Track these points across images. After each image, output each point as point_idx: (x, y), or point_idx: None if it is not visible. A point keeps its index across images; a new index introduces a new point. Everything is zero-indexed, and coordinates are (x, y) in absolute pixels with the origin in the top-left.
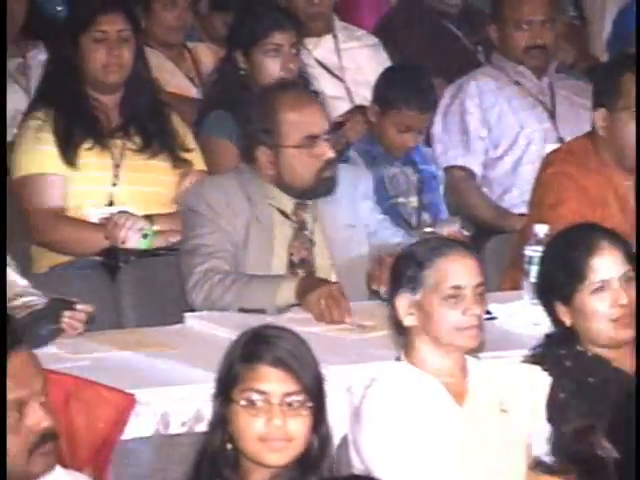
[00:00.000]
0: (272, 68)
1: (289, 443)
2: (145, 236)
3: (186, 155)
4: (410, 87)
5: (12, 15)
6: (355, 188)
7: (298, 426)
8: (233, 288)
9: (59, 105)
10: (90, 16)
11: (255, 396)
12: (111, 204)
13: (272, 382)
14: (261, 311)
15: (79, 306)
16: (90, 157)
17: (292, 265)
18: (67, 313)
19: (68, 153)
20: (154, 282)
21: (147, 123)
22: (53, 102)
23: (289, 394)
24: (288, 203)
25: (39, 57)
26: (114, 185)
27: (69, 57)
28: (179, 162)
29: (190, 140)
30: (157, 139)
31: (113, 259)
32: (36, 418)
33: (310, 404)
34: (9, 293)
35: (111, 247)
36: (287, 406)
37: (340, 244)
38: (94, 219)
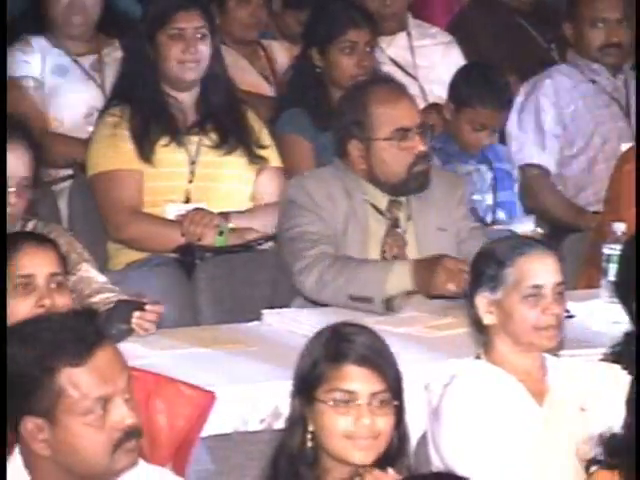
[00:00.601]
0: (347, 65)
1: (375, 441)
2: (221, 233)
3: (262, 152)
4: (485, 85)
5: (87, 12)
6: (452, 194)
7: (384, 424)
8: (344, 272)
9: (135, 102)
10: (167, 13)
11: (342, 396)
12: (187, 201)
13: (359, 381)
14: (368, 300)
15: (149, 306)
16: (166, 153)
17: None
18: (137, 313)
19: (145, 149)
20: (230, 279)
21: (223, 120)
22: (129, 99)
23: (376, 393)
24: (382, 199)
25: (114, 54)
26: (190, 182)
27: (146, 54)
28: (255, 158)
29: (266, 137)
30: (233, 135)
31: (189, 256)
32: (120, 415)
33: (395, 402)
34: (87, 289)
35: (187, 244)
36: (374, 405)
37: (429, 246)
38: (171, 216)
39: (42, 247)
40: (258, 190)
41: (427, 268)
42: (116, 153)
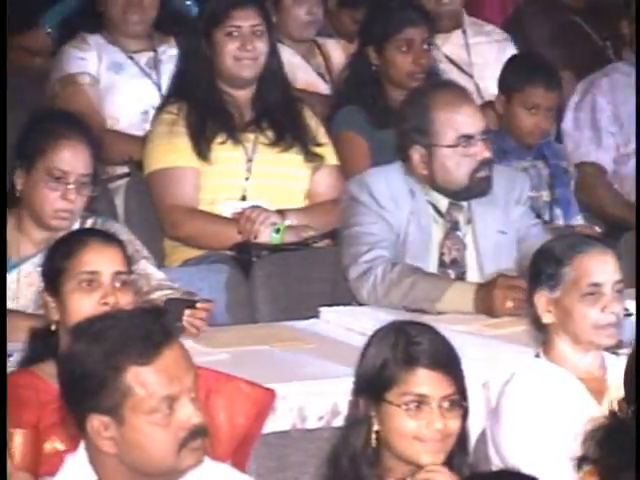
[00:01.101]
0: (404, 63)
1: (444, 443)
2: (277, 231)
3: (318, 149)
4: (531, 66)
5: (144, 10)
6: (510, 192)
7: (454, 426)
8: (399, 285)
9: (192, 99)
10: (224, 11)
11: (414, 399)
12: (244, 198)
13: (431, 385)
14: (422, 311)
15: (200, 304)
16: (223, 151)
17: (443, 265)
18: (187, 312)
19: (201, 147)
20: (287, 277)
21: (279, 117)
22: (186, 96)
23: (447, 396)
24: (443, 202)
25: (169, 52)
26: (247, 179)
27: (202, 52)
28: (311, 156)
29: (322, 134)
30: (289, 133)
31: (245, 254)
32: (186, 414)
33: (464, 403)
34: (146, 286)
35: (243, 242)
36: (445, 407)
37: (489, 250)
38: (227, 213)
39: (108, 245)
40: (314, 188)
41: (485, 292)
42: (173, 151)
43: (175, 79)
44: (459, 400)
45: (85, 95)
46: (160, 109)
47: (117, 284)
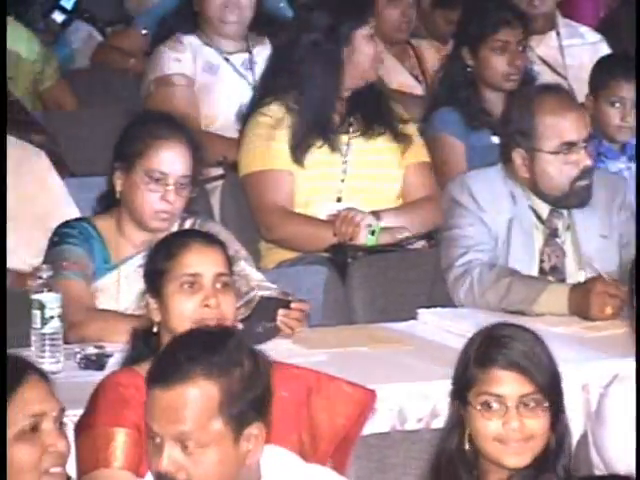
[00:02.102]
0: (499, 65)
1: (527, 444)
2: (372, 233)
3: (406, 129)
4: (615, 62)
5: (241, 11)
6: (612, 198)
7: (536, 426)
8: (495, 287)
9: (289, 102)
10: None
11: (490, 399)
12: (339, 200)
13: (507, 385)
14: (521, 313)
15: (294, 304)
16: (320, 154)
17: (542, 272)
18: (282, 311)
19: (299, 150)
20: (383, 278)
21: (368, 106)
22: (285, 99)
23: (525, 395)
24: (544, 208)
25: (264, 53)
26: (342, 181)
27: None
28: (400, 137)
29: (405, 114)
30: (377, 120)
31: (341, 255)
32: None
33: (546, 404)
34: (245, 287)
35: (339, 243)
36: (523, 407)
37: (591, 255)
38: (323, 215)
39: (210, 246)
40: (407, 186)
41: (582, 295)
42: (269, 153)
43: (271, 81)
44: (541, 400)
45: (180, 96)
46: (256, 111)
47: (218, 286)
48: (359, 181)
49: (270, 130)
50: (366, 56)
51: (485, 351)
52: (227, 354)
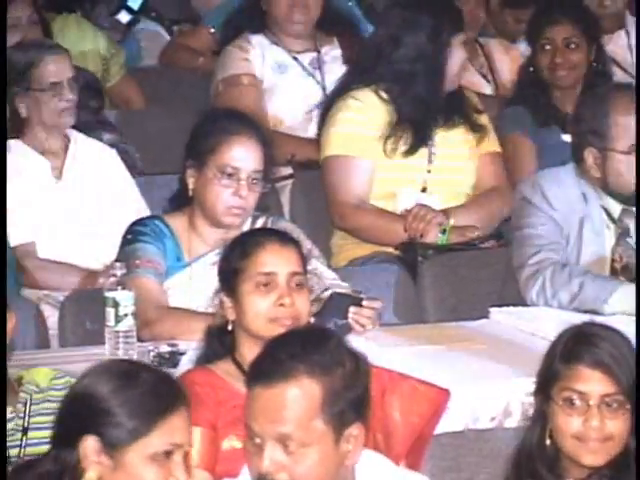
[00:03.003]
0: (543, 61)
1: (605, 444)
2: (443, 231)
3: (480, 119)
4: None
5: (309, 10)
6: None
7: (615, 427)
8: (566, 287)
9: (380, 91)
10: None
11: (573, 396)
12: (424, 190)
13: (591, 383)
14: (593, 312)
15: (365, 302)
16: (408, 145)
17: (614, 271)
18: (353, 309)
19: (391, 141)
20: (454, 277)
21: (448, 98)
22: (374, 87)
23: (607, 395)
24: (616, 207)
25: (333, 52)
26: (429, 172)
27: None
28: (476, 127)
29: (479, 104)
30: (457, 111)
31: (412, 253)
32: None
33: (628, 406)
34: (318, 286)
35: (409, 241)
36: (605, 407)
37: None
38: (408, 204)
39: (285, 245)
40: (479, 176)
41: None
42: (353, 139)
43: (363, 68)
44: (623, 401)
45: (248, 95)
46: (346, 94)
47: (293, 285)
48: (444, 173)
49: (358, 115)
50: (459, 61)
51: (572, 348)
52: (329, 353)
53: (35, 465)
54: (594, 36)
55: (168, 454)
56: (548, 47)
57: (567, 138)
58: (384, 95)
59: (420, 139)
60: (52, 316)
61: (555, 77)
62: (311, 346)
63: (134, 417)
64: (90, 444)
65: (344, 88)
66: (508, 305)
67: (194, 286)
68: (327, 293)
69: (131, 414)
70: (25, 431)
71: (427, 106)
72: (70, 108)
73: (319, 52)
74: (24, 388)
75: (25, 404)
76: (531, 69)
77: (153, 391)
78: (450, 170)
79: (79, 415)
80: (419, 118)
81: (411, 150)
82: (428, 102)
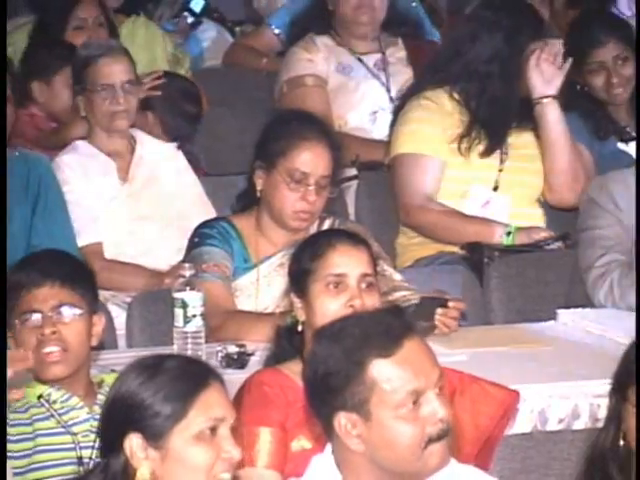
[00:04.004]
0: (597, 84)
1: None
2: (508, 233)
3: None
4: None
5: (374, 12)
6: None
7: None
8: (634, 287)
9: (453, 92)
10: None
11: None
12: (496, 189)
13: None
14: None
15: (451, 304)
16: (482, 145)
17: None
18: (439, 311)
19: (466, 141)
20: (522, 279)
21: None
22: (447, 87)
23: None
24: None
25: (397, 54)
26: (500, 171)
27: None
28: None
29: None
30: (529, 113)
31: (477, 254)
32: (432, 409)
33: None
34: (385, 287)
35: (476, 242)
36: None
37: None
38: (479, 204)
39: (356, 247)
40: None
41: None
42: (423, 137)
43: (438, 68)
44: None
45: (313, 96)
46: (418, 93)
47: (363, 286)
48: (515, 173)
49: (429, 114)
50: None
51: None
52: None
53: (89, 477)
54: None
55: (213, 430)
56: (600, 69)
57: (624, 147)
58: (457, 96)
59: (496, 141)
60: (119, 316)
61: (612, 95)
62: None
63: (168, 402)
64: (134, 442)
65: (417, 88)
66: (575, 307)
67: (261, 287)
68: (394, 296)
69: (165, 400)
70: (98, 433)
71: (503, 108)
72: (123, 112)
73: (384, 53)
74: (102, 391)
75: (102, 406)
76: (585, 88)
77: (181, 373)
78: (521, 170)
79: (117, 418)
80: (495, 120)
81: (486, 152)
82: (503, 104)
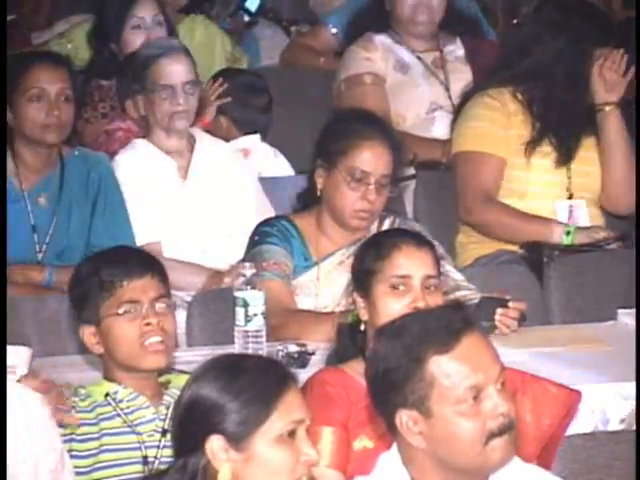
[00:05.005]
0: None
1: None
2: (568, 233)
3: None
4: None
5: (432, 10)
6: None
7: None
8: None
9: (517, 92)
10: None
11: None
12: (570, 197)
13: None
14: None
15: (512, 304)
16: (549, 146)
17: None
18: (500, 311)
19: (534, 144)
20: (581, 279)
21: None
22: (511, 87)
23: None
24: None
25: (456, 52)
26: (569, 178)
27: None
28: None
29: None
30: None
31: (537, 254)
32: (493, 404)
33: None
34: (445, 287)
35: (535, 241)
36: None
37: None
38: (559, 211)
39: (420, 248)
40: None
41: None
42: (485, 135)
43: (500, 67)
44: None
45: (370, 95)
46: (482, 91)
47: (427, 288)
48: (580, 177)
49: (492, 112)
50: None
51: None
52: None
53: (164, 477)
54: None
55: (292, 433)
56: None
57: None
58: (520, 96)
59: (567, 155)
60: (179, 316)
61: None
62: None
63: (250, 406)
64: (216, 444)
65: (481, 86)
66: (635, 306)
67: (321, 285)
68: (455, 295)
69: (246, 404)
70: (164, 433)
71: (571, 116)
72: (183, 112)
73: (442, 51)
74: (169, 392)
75: (167, 407)
76: None
77: (261, 376)
78: (585, 174)
79: (197, 420)
80: (565, 130)
81: (558, 164)
82: (571, 111)
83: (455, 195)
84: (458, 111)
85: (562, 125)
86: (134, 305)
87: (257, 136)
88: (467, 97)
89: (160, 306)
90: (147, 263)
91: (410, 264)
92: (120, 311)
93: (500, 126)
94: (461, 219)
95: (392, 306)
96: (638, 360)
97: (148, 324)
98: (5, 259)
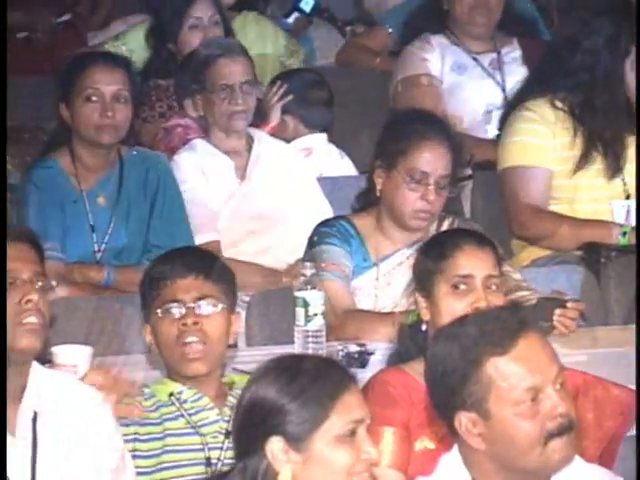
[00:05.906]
0: None
1: None
2: (624, 234)
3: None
4: None
5: (490, 11)
6: None
7: None
8: None
9: (556, 101)
10: None
11: None
12: (628, 197)
13: None
14: None
15: (570, 304)
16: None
17: None
18: (558, 311)
19: (584, 152)
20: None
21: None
22: (550, 96)
23: None
24: None
25: (513, 53)
26: (623, 180)
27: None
28: None
29: None
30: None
31: (594, 254)
32: (551, 404)
33: None
34: (504, 287)
35: (592, 242)
36: None
37: None
38: (617, 211)
39: (482, 248)
40: None
41: None
42: (528, 149)
43: (539, 77)
44: None
45: (427, 95)
46: (520, 105)
47: (489, 288)
48: (632, 177)
49: (532, 125)
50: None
51: None
52: None
53: (224, 479)
54: None
55: (352, 433)
56: None
57: None
58: (559, 104)
59: (617, 165)
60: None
61: None
62: None
63: (309, 406)
64: (276, 445)
65: (520, 98)
66: None
67: (381, 286)
68: (515, 296)
69: (305, 404)
70: (227, 434)
71: (609, 110)
72: (241, 112)
73: (499, 53)
74: (233, 393)
75: (231, 408)
76: None
77: (320, 376)
78: (631, 173)
79: (256, 422)
80: (603, 124)
81: (609, 175)
82: (608, 106)
83: (506, 212)
84: (501, 124)
85: (606, 127)
86: (175, 304)
87: (324, 135)
88: (509, 109)
89: (205, 307)
90: (193, 262)
91: (472, 264)
92: (160, 310)
93: (542, 137)
94: (515, 234)
95: (454, 306)
96: (638, 360)
97: (184, 324)
98: (5, 258)
